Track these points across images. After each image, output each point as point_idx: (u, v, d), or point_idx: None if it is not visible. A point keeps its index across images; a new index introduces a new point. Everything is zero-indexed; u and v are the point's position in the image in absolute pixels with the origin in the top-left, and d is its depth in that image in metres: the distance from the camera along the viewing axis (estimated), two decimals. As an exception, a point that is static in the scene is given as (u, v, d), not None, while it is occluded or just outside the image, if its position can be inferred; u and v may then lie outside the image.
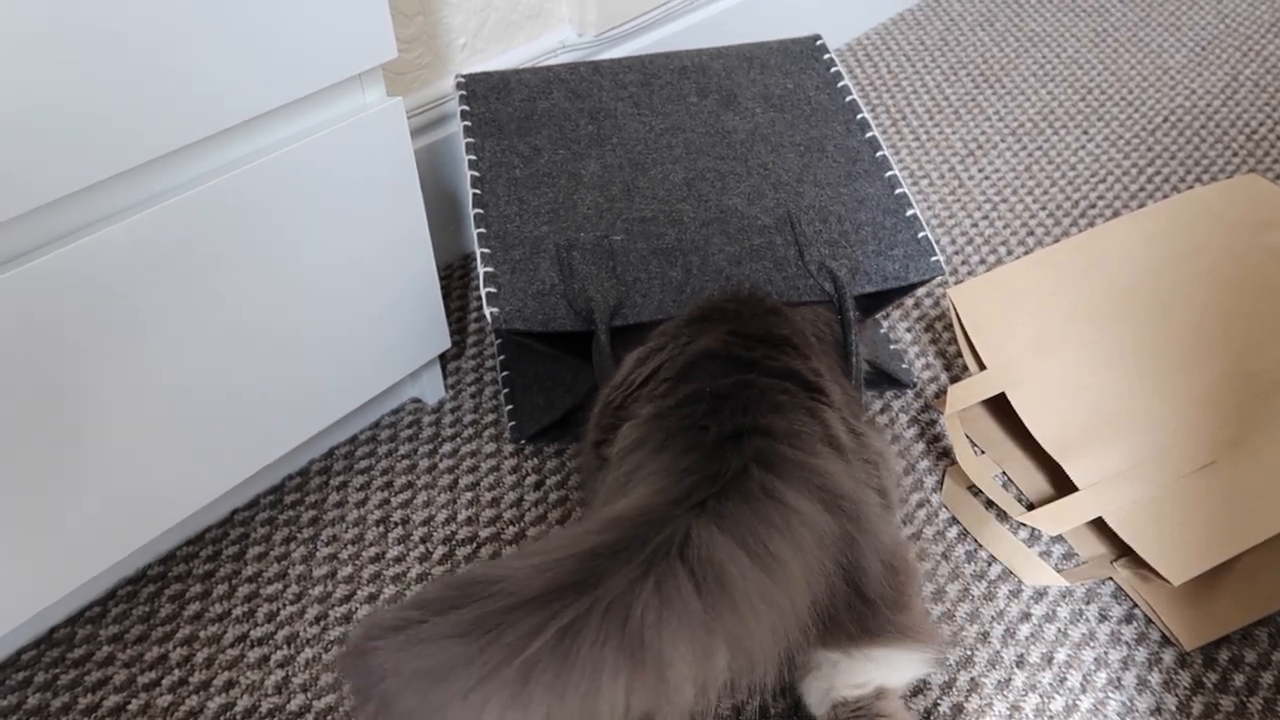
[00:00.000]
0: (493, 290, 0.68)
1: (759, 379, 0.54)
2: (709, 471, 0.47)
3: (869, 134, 0.80)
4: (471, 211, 0.72)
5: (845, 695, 0.57)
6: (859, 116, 0.82)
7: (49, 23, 0.45)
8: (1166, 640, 0.70)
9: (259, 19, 0.53)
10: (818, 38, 0.89)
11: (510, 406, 0.83)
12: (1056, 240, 1.03)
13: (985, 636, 0.70)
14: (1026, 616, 0.71)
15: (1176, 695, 0.67)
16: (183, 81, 0.52)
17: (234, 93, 0.54)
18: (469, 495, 0.79)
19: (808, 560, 0.47)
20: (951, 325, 0.93)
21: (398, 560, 0.75)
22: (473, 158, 0.76)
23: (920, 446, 0.83)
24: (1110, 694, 0.67)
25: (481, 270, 0.69)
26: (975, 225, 1.06)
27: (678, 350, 0.57)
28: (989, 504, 0.78)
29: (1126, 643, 0.70)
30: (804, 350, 0.58)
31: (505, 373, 0.85)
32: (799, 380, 0.56)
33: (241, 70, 0.54)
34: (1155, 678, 0.68)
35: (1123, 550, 0.74)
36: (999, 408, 0.84)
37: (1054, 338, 0.78)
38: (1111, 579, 0.73)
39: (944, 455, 0.82)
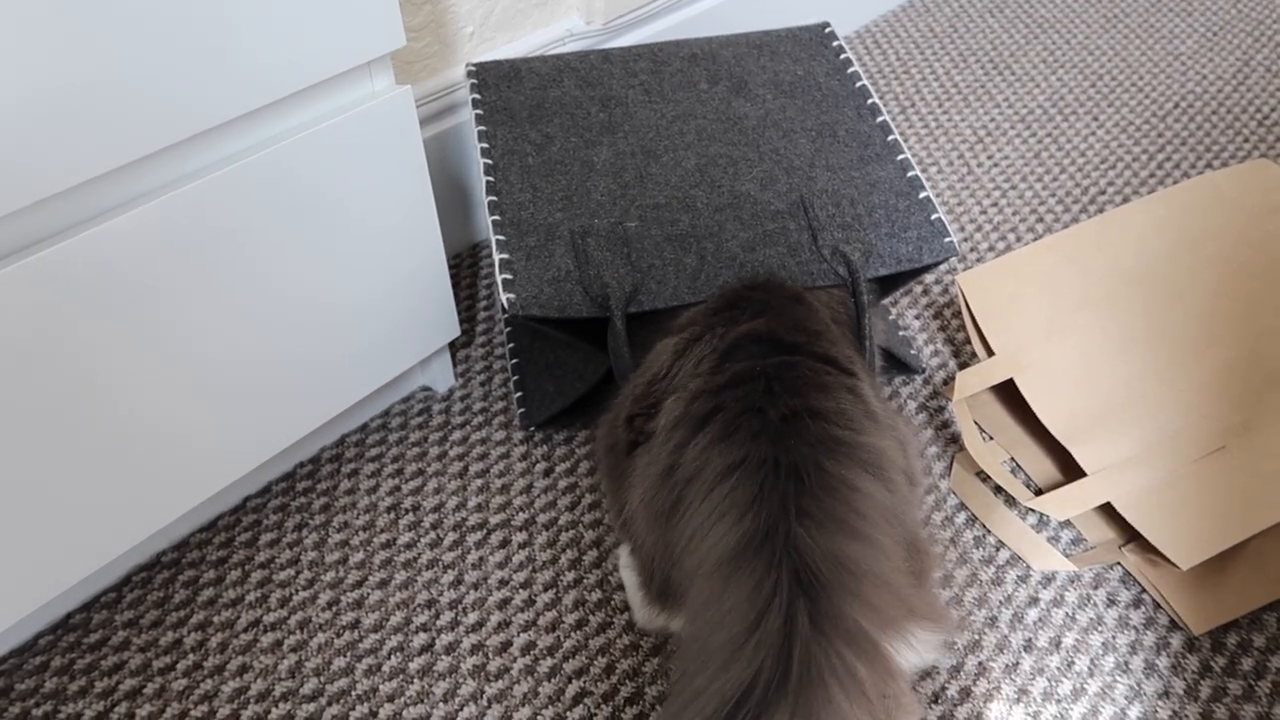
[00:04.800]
0: (509, 277, 0.68)
1: (804, 361, 0.56)
2: (785, 464, 0.50)
3: (880, 118, 0.80)
4: (485, 199, 0.73)
5: None
6: (869, 101, 0.82)
7: (56, 13, 0.46)
8: (1174, 625, 0.70)
9: (269, 8, 0.53)
10: (826, 25, 0.89)
11: (520, 394, 0.83)
12: (1066, 227, 1.03)
13: (993, 621, 0.70)
14: (1034, 601, 0.72)
15: (1184, 679, 0.67)
16: (192, 70, 0.52)
17: (244, 81, 0.54)
18: (479, 482, 0.79)
19: (890, 536, 0.51)
20: (960, 312, 0.93)
21: (408, 547, 0.75)
22: (485, 145, 0.76)
23: (929, 433, 0.83)
24: (1118, 678, 0.67)
25: (497, 257, 0.69)
26: (984, 212, 1.06)
27: (716, 338, 0.59)
28: (997, 490, 0.78)
29: (1134, 627, 0.70)
30: (833, 338, 0.60)
31: (515, 360, 0.85)
32: (837, 365, 0.57)
33: (251, 59, 0.54)
34: (1163, 662, 0.68)
35: (1131, 535, 0.74)
36: (1007, 394, 0.84)
37: (1063, 323, 0.78)
38: (1120, 564, 0.74)
39: (952, 441, 0.83)
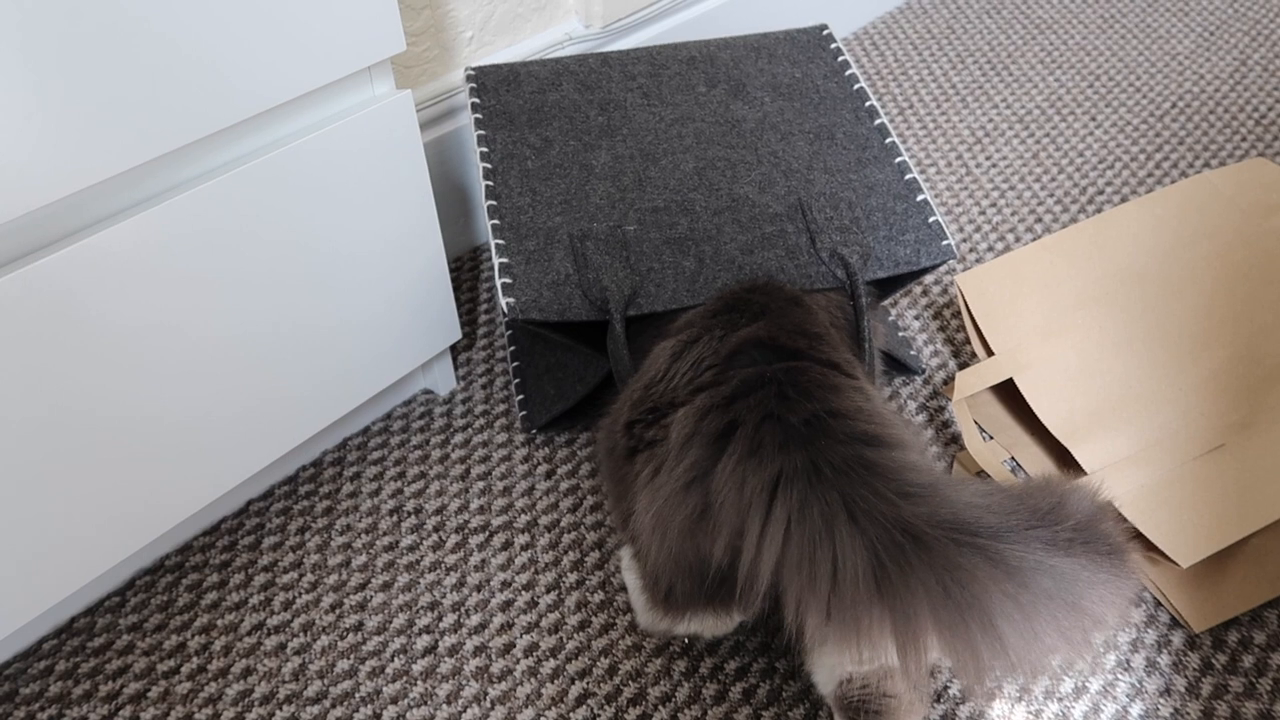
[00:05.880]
0: (508, 281, 0.68)
1: (810, 365, 0.55)
2: (830, 465, 0.48)
3: (877, 121, 0.81)
4: (485, 203, 0.73)
5: (852, 670, 0.57)
6: (867, 104, 0.82)
7: (58, 22, 0.46)
8: (1175, 622, 0.70)
9: (270, 13, 0.54)
10: (824, 27, 0.90)
11: (521, 396, 0.83)
12: (1065, 227, 1.03)
13: (995, 620, 0.71)
14: (1036, 600, 0.72)
15: (1186, 677, 0.67)
16: (193, 76, 0.52)
17: (245, 87, 0.55)
18: (481, 485, 0.80)
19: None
20: (959, 312, 0.93)
21: (411, 549, 0.75)
22: (484, 149, 0.76)
23: (929, 433, 0.83)
24: (1119, 676, 0.67)
25: (496, 261, 0.69)
26: (983, 213, 1.06)
27: (714, 341, 0.58)
28: (998, 489, 0.79)
29: (1135, 625, 0.70)
30: (833, 342, 0.59)
31: (516, 363, 0.85)
32: (840, 370, 0.57)
33: (252, 64, 0.54)
34: (1164, 660, 0.68)
35: (1132, 533, 0.75)
36: (1007, 393, 0.85)
37: (1062, 323, 0.78)
38: (1121, 563, 0.74)
39: (953, 441, 0.83)
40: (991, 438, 0.83)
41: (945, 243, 0.73)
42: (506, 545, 0.76)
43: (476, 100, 0.80)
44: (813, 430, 0.50)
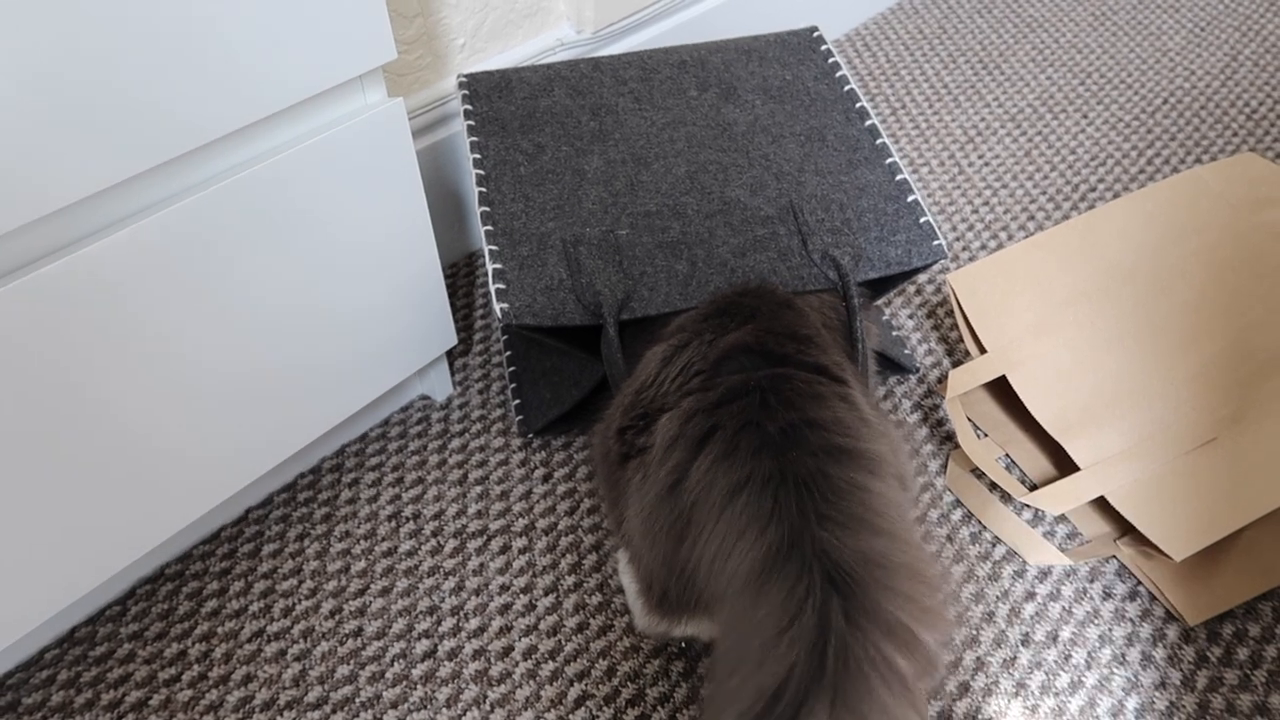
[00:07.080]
0: (502, 286, 0.69)
1: (795, 372, 0.56)
2: (791, 475, 0.49)
3: (868, 122, 0.81)
4: (478, 210, 0.73)
5: None
6: (858, 105, 0.83)
7: (52, 32, 0.46)
8: (1170, 616, 0.71)
9: (259, 23, 0.54)
10: (815, 29, 0.90)
11: (518, 401, 0.84)
12: (1057, 224, 1.04)
13: (990, 616, 0.71)
14: (1031, 596, 0.72)
15: (1181, 670, 0.68)
16: (186, 86, 0.53)
17: (236, 97, 0.55)
18: (479, 489, 0.80)
19: (909, 529, 0.51)
20: (952, 310, 0.94)
21: (410, 554, 0.76)
22: (477, 156, 0.77)
23: (924, 431, 0.84)
24: (1115, 670, 0.68)
25: (490, 267, 0.70)
26: (975, 211, 1.07)
27: (704, 346, 0.58)
28: (992, 486, 0.79)
29: (1130, 619, 0.71)
30: (823, 345, 0.60)
31: (512, 368, 0.86)
32: (828, 374, 0.57)
33: (243, 74, 0.55)
34: (1160, 653, 0.69)
35: (1125, 528, 0.75)
36: (1000, 390, 0.85)
37: (1054, 320, 0.78)
38: (1115, 557, 0.74)
39: (947, 439, 0.83)
40: (986, 435, 0.83)
41: (936, 243, 0.73)
42: (504, 549, 0.76)
43: (469, 107, 0.80)
44: (787, 439, 0.51)
